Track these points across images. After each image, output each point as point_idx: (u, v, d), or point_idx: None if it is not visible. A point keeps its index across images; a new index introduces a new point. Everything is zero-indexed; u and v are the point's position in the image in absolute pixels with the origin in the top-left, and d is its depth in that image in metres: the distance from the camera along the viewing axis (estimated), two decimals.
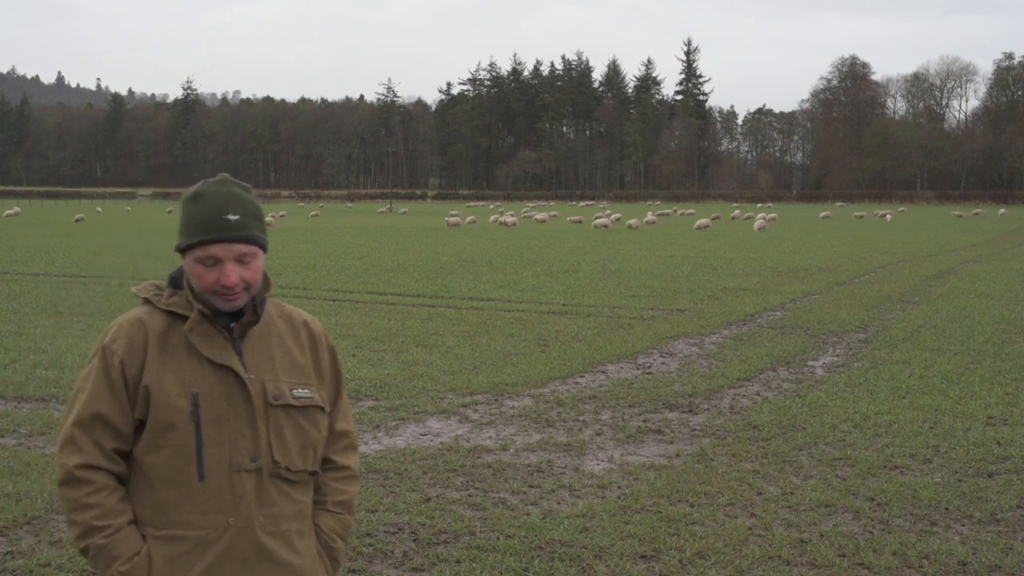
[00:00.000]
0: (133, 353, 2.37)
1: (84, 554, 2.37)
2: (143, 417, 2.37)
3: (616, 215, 60.17)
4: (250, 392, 2.38)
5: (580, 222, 57.38)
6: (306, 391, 2.47)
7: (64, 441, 2.38)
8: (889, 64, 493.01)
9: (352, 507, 2.63)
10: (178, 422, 2.34)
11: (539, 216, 60.37)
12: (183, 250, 2.41)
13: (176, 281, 2.47)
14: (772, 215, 60.05)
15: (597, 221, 48.38)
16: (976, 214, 76.35)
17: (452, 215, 61.02)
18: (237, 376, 2.38)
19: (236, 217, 2.37)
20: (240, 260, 2.37)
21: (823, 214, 70.05)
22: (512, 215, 57.67)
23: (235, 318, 2.42)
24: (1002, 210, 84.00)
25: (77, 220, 57.10)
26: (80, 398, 2.39)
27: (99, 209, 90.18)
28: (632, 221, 48.64)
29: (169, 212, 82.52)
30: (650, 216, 58.28)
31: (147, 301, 2.45)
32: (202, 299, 2.39)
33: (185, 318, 2.41)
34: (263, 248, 2.43)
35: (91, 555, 2.35)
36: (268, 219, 51.41)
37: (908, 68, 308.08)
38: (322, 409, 2.51)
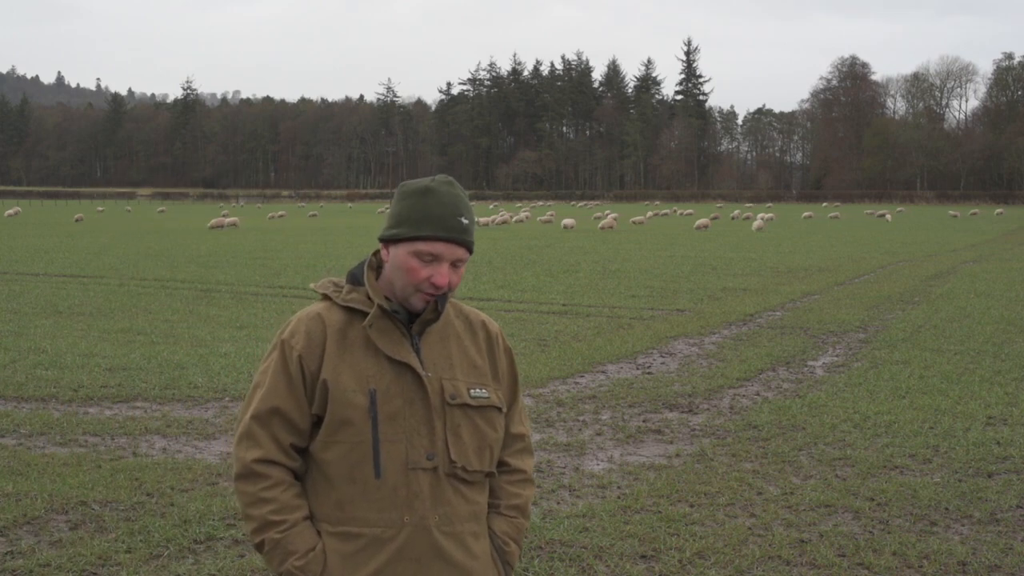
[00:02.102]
0: (312, 348, 2.34)
1: (259, 549, 2.34)
2: (320, 412, 2.35)
3: (615, 215, 60.14)
4: (427, 390, 2.35)
5: (549, 222, 57.34)
6: (483, 391, 2.44)
7: (242, 435, 2.36)
8: (887, 64, 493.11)
9: (527, 511, 2.58)
10: (355, 418, 2.31)
11: (516, 216, 59.52)
12: (400, 240, 2.36)
13: (356, 278, 2.44)
14: (769, 215, 60.05)
15: (565, 221, 48.07)
16: (973, 214, 76.46)
17: None
18: (415, 373, 2.35)
19: (467, 222, 2.36)
20: (454, 263, 2.36)
21: (805, 214, 70.48)
22: (505, 214, 57.58)
23: (413, 316, 2.40)
24: (999, 210, 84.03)
25: (77, 220, 57.10)
26: (258, 393, 2.37)
27: (101, 208, 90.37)
28: (604, 221, 48.22)
29: (160, 211, 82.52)
30: (638, 217, 57.76)
31: (326, 297, 2.43)
32: (400, 294, 2.37)
33: (363, 314, 2.38)
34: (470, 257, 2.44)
35: (266, 550, 2.33)
36: (234, 219, 50.96)
37: (905, 69, 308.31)
38: (499, 409, 2.48)
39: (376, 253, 2.46)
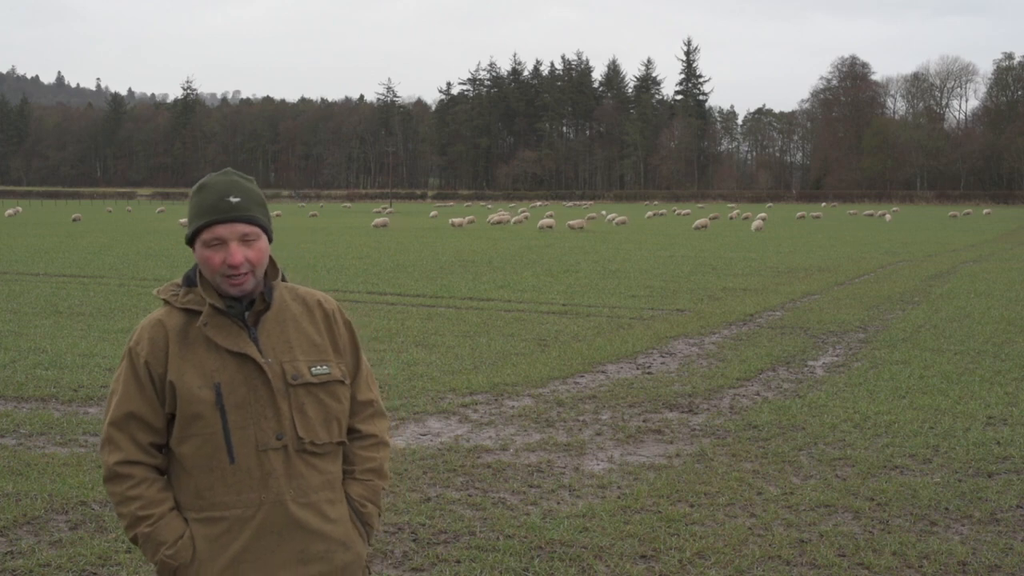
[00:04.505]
0: (156, 352, 2.51)
1: (134, 543, 2.53)
2: (173, 411, 2.52)
3: (610, 213, 60.00)
4: (268, 375, 2.51)
5: (522, 222, 56.63)
6: (324, 367, 2.60)
7: (103, 441, 2.55)
8: (887, 65, 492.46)
9: (383, 472, 2.76)
10: (204, 412, 2.48)
11: (495, 217, 58.07)
12: (192, 239, 2.54)
13: (191, 280, 2.59)
14: (762, 214, 60.09)
15: (542, 222, 47.62)
16: (967, 214, 76.78)
17: (382, 216, 61.07)
18: (255, 362, 2.51)
19: (237, 199, 2.51)
20: (243, 240, 2.50)
21: (799, 214, 70.86)
22: (503, 215, 57.34)
23: (247, 308, 2.56)
24: (986, 210, 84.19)
25: (75, 220, 57.07)
26: (113, 400, 2.55)
27: (109, 209, 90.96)
28: (573, 222, 47.88)
29: (159, 211, 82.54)
30: (620, 217, 57.21)
31: (166, 302, 2.59)
32: (214, 286, 2.52)
33: (200, 314, 2.54)
34: (265, 231, 2.56)
35: (140, 543, 2.52)
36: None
37: (905, 69, 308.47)
38: (342, 382, 2.64)
39: None
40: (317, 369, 2.58)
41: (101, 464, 2.55)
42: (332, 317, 2.69)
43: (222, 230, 2.48)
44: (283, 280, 2.69)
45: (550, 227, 46.09)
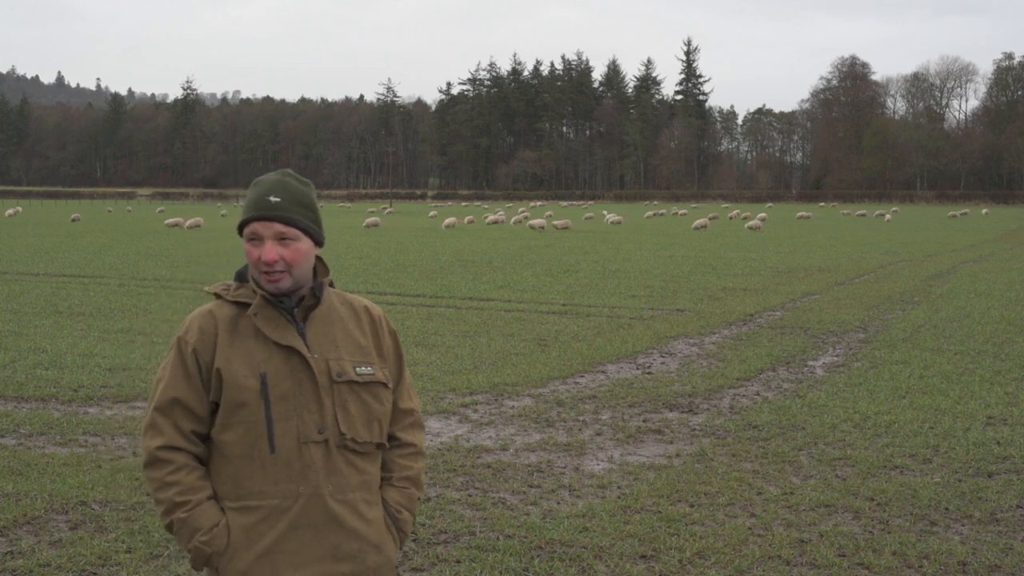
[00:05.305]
0: (204, 341, 2.56)
1: (169, 530, 2.55)
2: (217, 399, 2.56)
3: (609, 214, 59.91)
4: (314, 370, 2.55)
5: (520, 222, 56.04)
6: (368, 368, 2.65)
7: (146, 426, 2.58)
8: (887, 64, 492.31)
9: (419, 482, 2.78)
10: (248, 400, 2.51)
11: (492, 217, 57.26)
12: (240, 232, 2.62)
13: (242, 276, 2.66)
14: (762, 214, 60.06)
15: (533, 222, 47.42)
16: (964, 213, 76.87)
17: (374, 215, 61.14)
18: (301, 355, 2.56)
19: (278, 199, 2.57)
20: (280, 240, 2.55)
21: (799, 214, 71.04)
22: (499, 215, 57.23)
23: (297, 304, 2.61)
24: (984, 210, 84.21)
25: (73, 220, 57.05)
26: (160, 386, 2.59)
27: (109, 209, 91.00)
28: (558, 222, 47.63)
29: (160, 211, 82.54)
30: (616, 217, 57.04)
31: (217, 295, 2.64)
32: (258, 281, 2.58)
33: (251, 306, 2.60)
34: (307, 233, 2.59)
35: (175, 530, 2.54)
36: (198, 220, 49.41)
37: (905, 69, 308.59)
38: (385, 385, 2.68)
39: None
40: (361, 369, 2.63)
41: (142, 449, 2.57)
42: (378, 323, 2.75)
43: (259, 227, 2.55)
44: (331, 286, 2.74)
45: (541, 227, 45.86)
